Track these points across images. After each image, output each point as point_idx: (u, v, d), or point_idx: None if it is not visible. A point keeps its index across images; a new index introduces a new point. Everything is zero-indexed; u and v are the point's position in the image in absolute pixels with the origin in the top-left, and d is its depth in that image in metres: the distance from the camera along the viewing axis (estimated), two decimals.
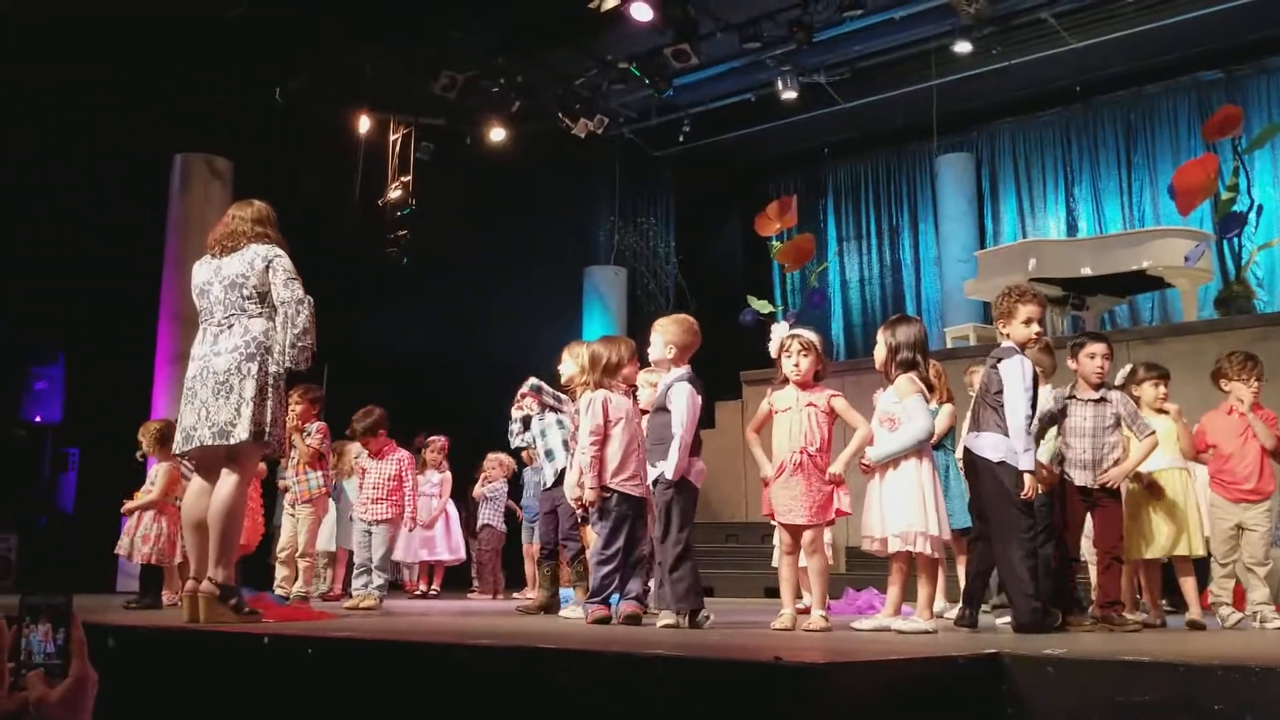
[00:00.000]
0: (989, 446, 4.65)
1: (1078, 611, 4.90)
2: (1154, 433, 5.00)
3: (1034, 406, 4.71)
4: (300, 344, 4.54)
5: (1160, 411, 5.46)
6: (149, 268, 11.00)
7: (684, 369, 5.04)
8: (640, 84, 12.40)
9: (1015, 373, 4.66)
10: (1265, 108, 12.60)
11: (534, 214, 13.25)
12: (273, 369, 4.56)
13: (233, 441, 4.51)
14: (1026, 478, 4.57)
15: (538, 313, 13.12)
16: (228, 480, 4.57)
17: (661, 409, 5.00)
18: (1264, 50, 12.44)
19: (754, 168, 15.91)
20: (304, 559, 6.92)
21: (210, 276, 4.71)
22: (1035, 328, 4.79)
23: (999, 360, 4.75)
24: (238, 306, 4.61)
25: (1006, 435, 4.61)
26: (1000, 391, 4.66)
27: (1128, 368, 5.68)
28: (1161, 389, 5.51)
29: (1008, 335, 4.82)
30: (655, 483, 4.92)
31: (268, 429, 4.54)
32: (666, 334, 5.08)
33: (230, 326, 4.61)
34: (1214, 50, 12.43)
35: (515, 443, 7.16)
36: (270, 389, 4.56)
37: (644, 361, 5.44)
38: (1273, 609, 5.03)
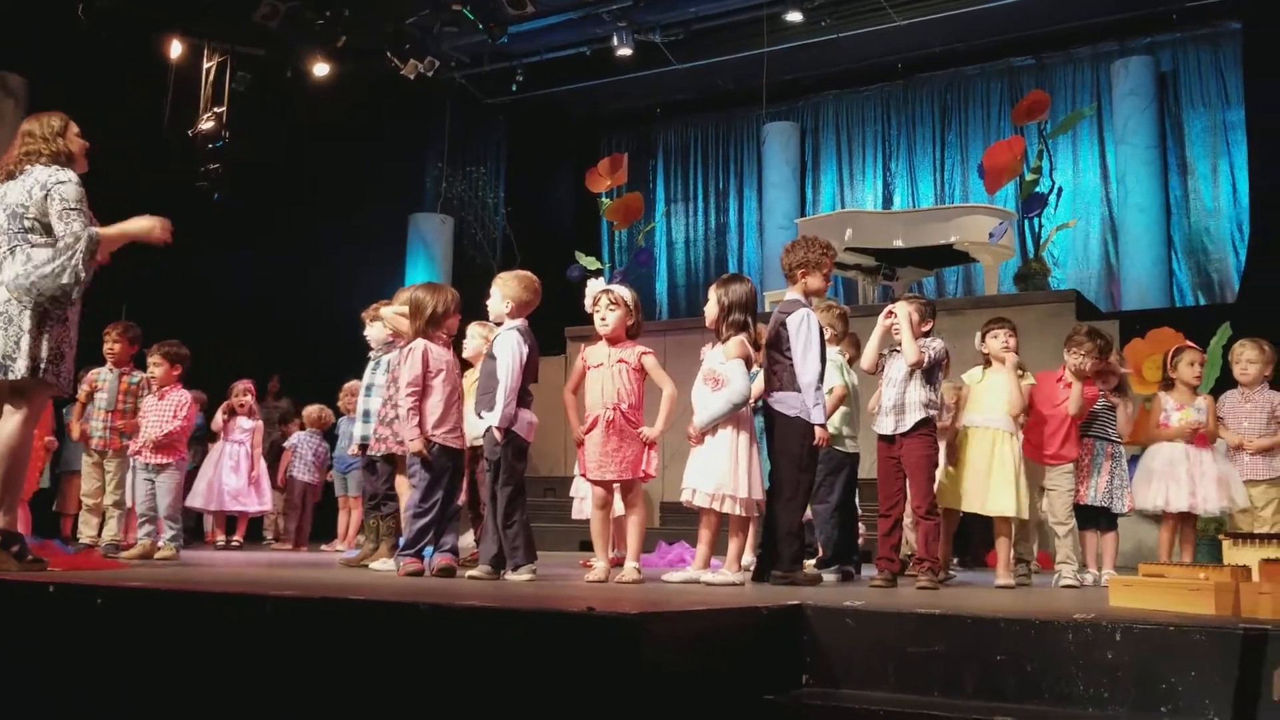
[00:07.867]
0: (785, 403, 4.76)
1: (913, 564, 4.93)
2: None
3: (822, 362, 4.82)
4: (60, 280, 4.25)
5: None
6: None
7: (516, 321, 4.98)
8: (474, 28, 12.11)
9: (803, 327, 4.78)
10: (1070, 95, 13.34)
11: (358, 156, 12.78)
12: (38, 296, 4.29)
13: (12, 376, 4.25)
14: (817, 430, 4.73)
15: (359, 259, 12.71)
16: (11, 419, 4.31)
17: (489, 357, 4.95)
18: (1072, 39, 13.14)
19: (587, 123, 15.83)
20: (116, 508, 6.65)
21: None
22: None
23: (787, 315, 4.83)
24: (20, 236, 4.35)
25: (799, 391, 4.73)
26: (790, 348, 4.78)
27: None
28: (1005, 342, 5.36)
29: (803, 287, 4.92)
30: (485, 433, 4.86)
31: (43, 363, 4.27)
32: (506, 289, 5.01)
33: (13, 254, 4.34)
34: (1027, 37, 13.05)
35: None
36: (51, 321, 4.29)
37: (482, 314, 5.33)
38: (1072, 566, 5.24)
